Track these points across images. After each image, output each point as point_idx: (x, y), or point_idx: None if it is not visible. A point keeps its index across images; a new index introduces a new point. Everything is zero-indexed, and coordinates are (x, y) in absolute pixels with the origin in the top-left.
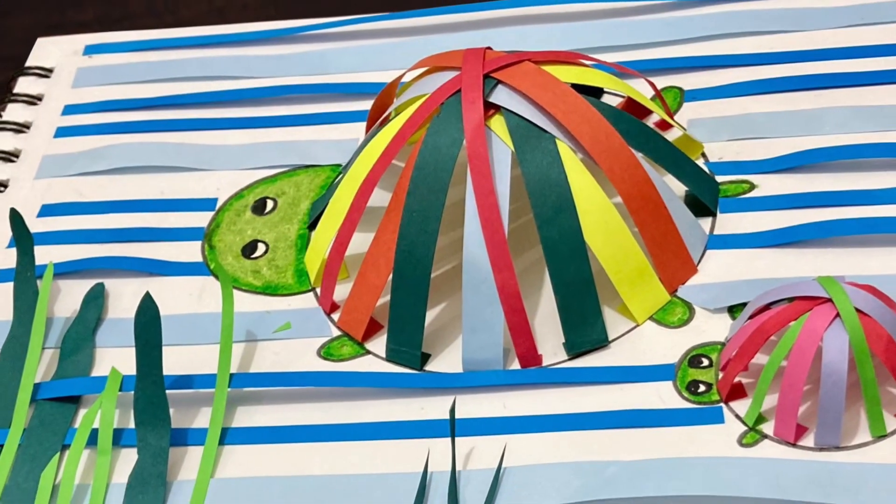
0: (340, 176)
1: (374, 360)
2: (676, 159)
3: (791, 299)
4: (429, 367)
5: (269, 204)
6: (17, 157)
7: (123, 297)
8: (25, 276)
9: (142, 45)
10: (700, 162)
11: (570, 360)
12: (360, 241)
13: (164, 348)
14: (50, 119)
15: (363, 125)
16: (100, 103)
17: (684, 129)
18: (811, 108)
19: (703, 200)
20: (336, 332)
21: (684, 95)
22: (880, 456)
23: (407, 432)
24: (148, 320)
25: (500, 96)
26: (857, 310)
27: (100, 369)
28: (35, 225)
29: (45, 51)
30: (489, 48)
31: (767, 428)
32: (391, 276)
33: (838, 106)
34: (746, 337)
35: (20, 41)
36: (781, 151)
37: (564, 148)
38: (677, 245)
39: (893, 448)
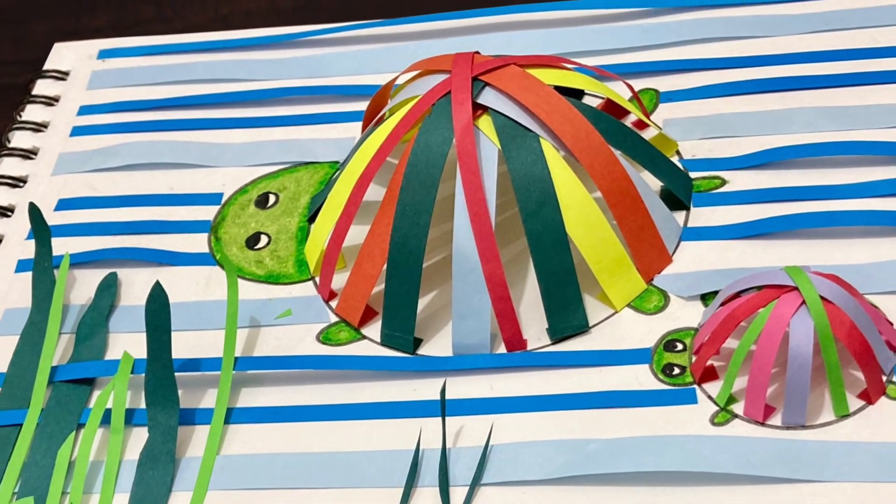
0: (338, 172)
1: (370, 344)
2: (652, 156)
3: (760, 288)
4: (421, 351)
5: (272, 198)
6: (35, 154)
7: (135, 285)
8: (43, 266)
9: (152, 49)
10: (675, 159)
11: (552, 344)
12: (357, 234)
13: (172, 333)
14: (66, 119)
15: (359, 124)
16: (113, 104)
17: (660, 129)
18: (779, 109)
19: (678, 195)
20: (334, 319)
21: (660, 97)
22: (843, 434)
23: (400, 412)
24: (158, 307)
25: (488, 98)
26: (822, 297)
27: (113, 353)
28: (52, 218)
29: (62, 55)
30: (477, 53)
31: (738, 408)
32: (385, 265)
33: (804, 107)
34: (718, 323)
35: (38, 46)
36: (751, 149)
37: (548, 146)
38: (653, 237)
39: (855, 427)
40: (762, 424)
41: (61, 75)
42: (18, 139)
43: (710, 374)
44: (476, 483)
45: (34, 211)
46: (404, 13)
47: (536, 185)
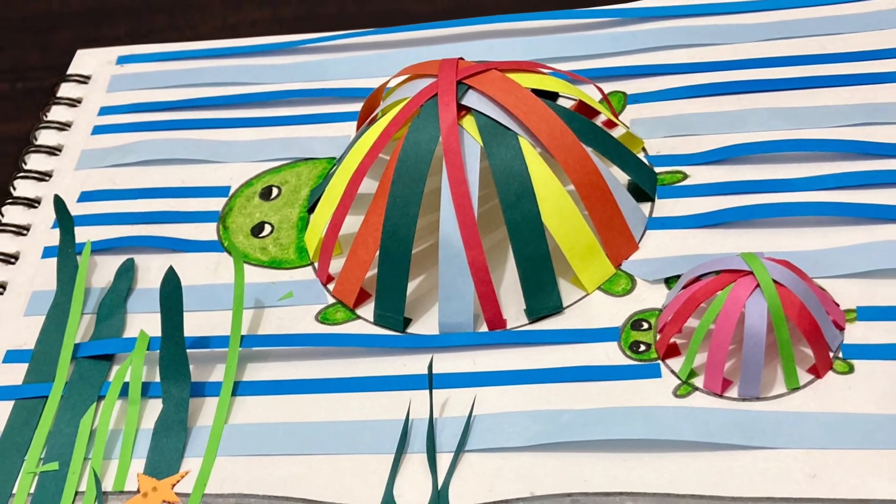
0: (335, 167)
1: (364, 324)
2: (621, 153)
3: (718, 272)
4: (410, 329)
5: (275, 191)
6: (60, 151)
7: (150, 270)
8: (67, 253)
9: (166, 56)
10: (641, 155)
11: (530, 323)
12: (352, 223)
13: (184, 314)
14: (88, 119)
15: (354, 124)
16: (130, 105)
17: (627, 128)
18: (735, 110)
19: (644, 188)
20: (331, 300)
21: (627, 99)
22: (794, 405)
23: (391, 385)
24: (171, 290)
25: (471, 99)
26: (775, 281)
27: (130, 332)
28: (75, 209)
29: (84, 61)
30: (461, 59)
31: (698, 381)
32: (378, 252)
33: (758, 108)
34: (680, 304)
35: (63, 52)
36: (710, 146)
37: (525, 143)
38: (621, 226)
39: (805, 399)
40: (720, 396)
41: (83, 79)
42: (45, 137)
43: (672, 351)
44: (460, 450)
45: (59, 202)
46: (395, 23)
47: (515, 179)
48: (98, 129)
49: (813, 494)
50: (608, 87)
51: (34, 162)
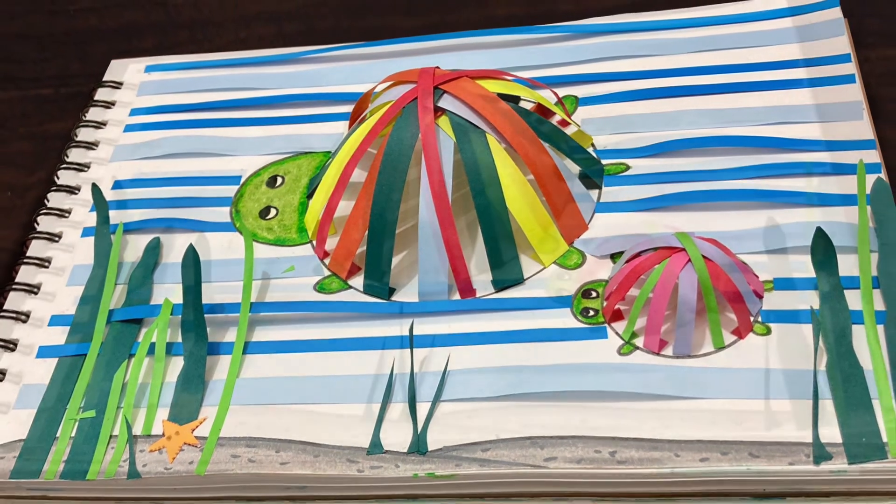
0: (330, 159)
1: (355, 293)
2: (573, 147)
3: (656, 249)
4: (394, 297)
5: (279, 180)
6: (96, 146)
7: (174, 247)
8: (102, 232)
9: (187, 65)
10: (590, 149)
11: (496, 293)
12: (345, 207)
13: (202, 284)
14: (120, 118)
15: (347, 122)
16: (157, 107)
17: (579, 126)
18: (671, 111)
19: (592, 177)
20: (327, 273)
21: (578, 101)
22: (720, 362)
23: (378, 345)
24: (191, 264)
25: (446, 102)
26: (704, 257)
27: (156, 300)
28: (110, 195)
29: (118, 69)
30: (438, 67)
31: (639, 342)
32: (367, 232)
33: (691, 109)
34: (623, 276)
35: (99, 62)
36: (649, 142)
37: (492, 140)
38: (573, 209)
39: (729, 356)
40: (658, 354)
41: (117, 85)
42: (84, 134)
43: (617, 316)
44: (437, 400)
45: (95, 189)
46: (382, 37)
47: (484, 170)
48: (129, 128)
49: (736, 437)
50: (562, 91)
51: (75, 155)
